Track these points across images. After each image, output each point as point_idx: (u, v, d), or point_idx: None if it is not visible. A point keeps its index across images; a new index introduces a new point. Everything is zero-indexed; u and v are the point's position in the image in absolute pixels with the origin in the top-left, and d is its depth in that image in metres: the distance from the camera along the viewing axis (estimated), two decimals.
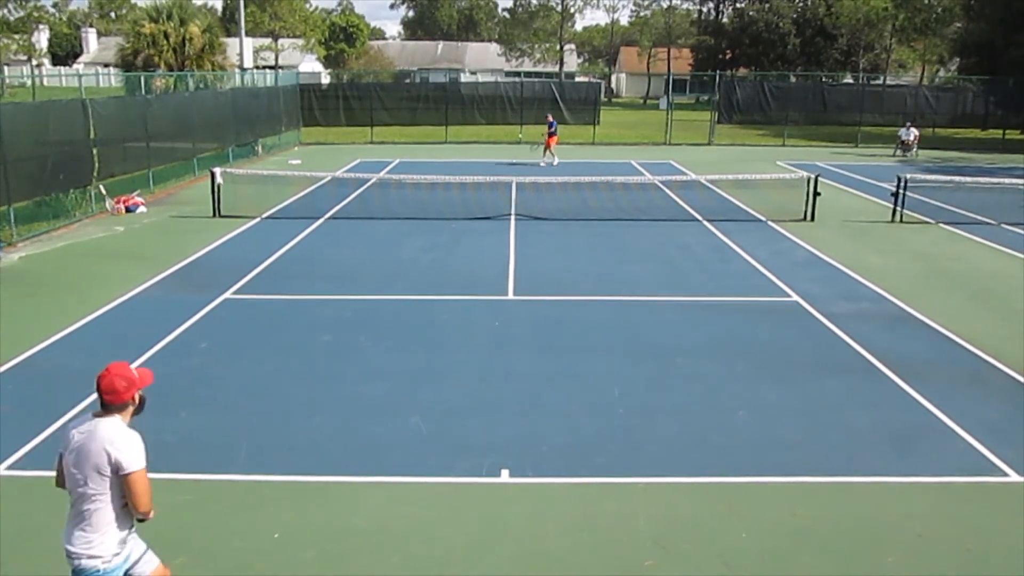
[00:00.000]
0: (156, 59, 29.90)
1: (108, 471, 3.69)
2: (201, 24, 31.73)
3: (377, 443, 6.76)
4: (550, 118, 26.86)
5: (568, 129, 34.05)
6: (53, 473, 3.90)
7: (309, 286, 11.49)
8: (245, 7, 41.39)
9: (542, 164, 25.68)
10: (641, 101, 75.47)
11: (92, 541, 3.79)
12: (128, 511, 3.83)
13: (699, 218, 16.78)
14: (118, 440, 3.70)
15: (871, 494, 6.07)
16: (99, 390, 3.74)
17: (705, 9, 76.07)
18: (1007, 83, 35.19)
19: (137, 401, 3.84)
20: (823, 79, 47.04)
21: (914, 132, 30.33)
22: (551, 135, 26.09)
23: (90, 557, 3.80)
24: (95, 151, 16.57)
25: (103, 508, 3.76)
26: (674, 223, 16.32)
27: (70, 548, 3.81)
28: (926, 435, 7.04)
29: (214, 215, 16.20)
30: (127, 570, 3.96)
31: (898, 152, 30.41)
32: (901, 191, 16.78)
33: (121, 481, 3.71)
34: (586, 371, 8.39)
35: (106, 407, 3.76)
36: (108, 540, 3.81)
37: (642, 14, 79.93)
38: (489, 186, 19.09)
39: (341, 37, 71.42)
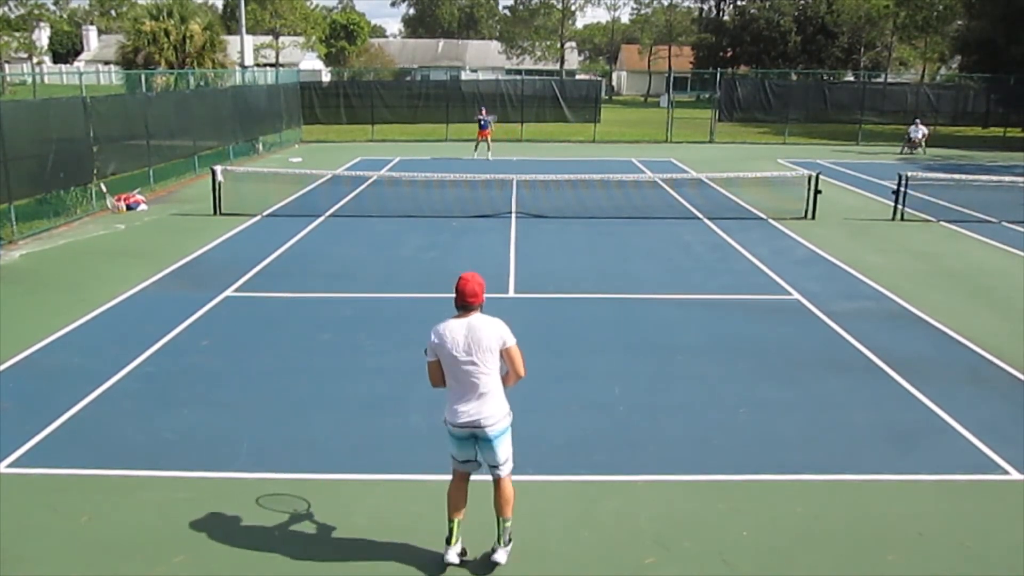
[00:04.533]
0: (157, 57, 29.89)
1: (497, 348, 4.78)
2: (202, 22, 31.71)
3: (377, 441, 6.77)
4: (484, 112, 26.85)
5: (569, 127, 34.08)
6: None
7: (310, 284, 11.50)
8: (246, 5, 41.37)
9: (489, 159, 25.76)
10: (642, 99, 75.49)
11: (501, 406, 4.84)
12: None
13: (700, 216, 16.77)
14: (498, 325, 4.85)
15: (872, 492, 6.06)
16: (462, 294, 4.83)
17: (706, 7, 76.16)
18: (1008, 81, 35.16)
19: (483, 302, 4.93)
20: (824, 77, 47.12)
21: (923, 130, 30.15)
22: (483, 129, 26.18)
23: (504, 418, 4.84)
24: (96, 149, 16.58)
25: (497, 379, 4.83)
26: (675, 221, 16.31)
27: (482, 419, 4.78)
28: (927, 433, 7.04)
29: (215, 213, 16.21)
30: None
31: (905, 150, 30.28)
32: (902, 189, 16.77)
33: (503, 353, 4.83)
34: (587, 369, 8.39)
35: (468, 308, 4.83)
36: (505, 402, 4.89)
37: (643, 12, 79.99)
38: (489, 184, 19.10)
39: (342, 35, 71.43)
